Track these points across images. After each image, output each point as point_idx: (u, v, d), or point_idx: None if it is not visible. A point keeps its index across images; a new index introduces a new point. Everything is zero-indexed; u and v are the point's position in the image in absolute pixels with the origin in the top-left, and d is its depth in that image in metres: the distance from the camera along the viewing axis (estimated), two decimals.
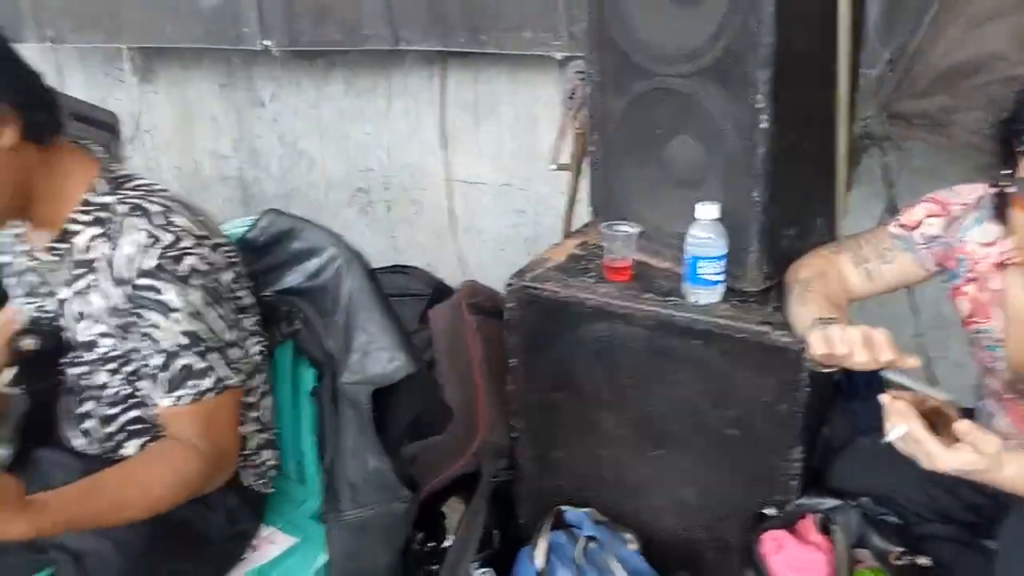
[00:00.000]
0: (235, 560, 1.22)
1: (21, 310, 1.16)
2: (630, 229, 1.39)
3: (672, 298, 1.34)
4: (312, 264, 1.28)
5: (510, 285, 1.44)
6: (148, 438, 1.15)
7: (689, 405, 1.34)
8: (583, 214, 1.86)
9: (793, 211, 1.35)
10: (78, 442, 1.17)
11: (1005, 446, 0.91)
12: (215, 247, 1.08)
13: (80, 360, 1.11)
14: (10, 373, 1.11)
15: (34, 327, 1.12)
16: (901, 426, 0.94)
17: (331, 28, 2.25)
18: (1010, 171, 1.02)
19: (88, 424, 1.15)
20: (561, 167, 2.06)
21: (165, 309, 1.02)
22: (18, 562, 1.11)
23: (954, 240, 1.18)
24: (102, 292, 1.05)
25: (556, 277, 1.44)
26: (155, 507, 1.01)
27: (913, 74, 1.58)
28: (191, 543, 1.15)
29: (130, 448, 1.15)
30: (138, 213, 1.04)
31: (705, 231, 1.26)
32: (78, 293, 1.07)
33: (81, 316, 1.07)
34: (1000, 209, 1.07)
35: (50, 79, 1.04)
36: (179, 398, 1.05)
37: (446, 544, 1.51)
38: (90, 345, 1.08)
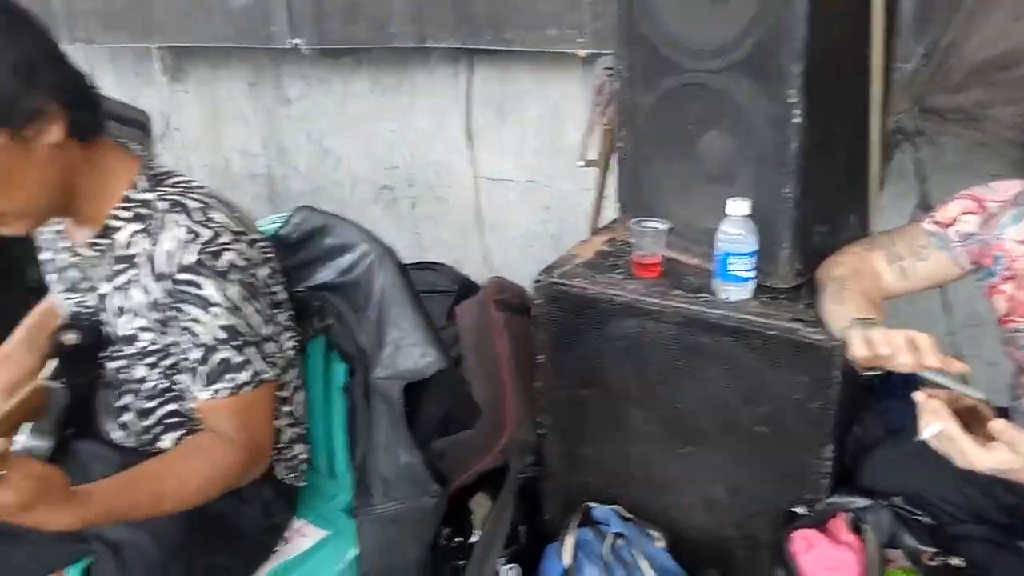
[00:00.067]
0: (268, 552, 1.24)
1: (62, 305, 1.18)
2: (659, 225, 1.38)
3: (702, 295, 1.33)
4: (345, 260, 1.29)
5: (538, 281, 1.44)
6: (184, 431, 1.17)
7: (719, 402, 1.33)
8: (610, 210, 1.86)
9: (825, 207, 1.34)
10: (116, 435, 1.19)
11: None
12: (252, 243, 1.10)
13: (119, 354, 1.13)
14: (51, 366, 1.13)
15: (75, 322, 1.14)
16: (935, 424, 0.93)
17: (359, 26, 2.27)
18: None
19: (126, 417, 1.17)
20: (589, 163, 2.06)
21: (205, 303, 1.03)
22: (59, 551, 1.14)
23: (991, 237, 1.16)
24: (142, 287, 1.06)
25: (584, 273, 1.44)
26: (193, 500, 1.02)
27: (947, 68, 1.56)
28: (226, 536, 1.17)
29: (166, 441, 1.17)
30: (178, 209, 1.05)
31: (736, 227, 1.25)
32: (119, 288, 1.09)
33: (121, 311, 1.09)
34: None
35: None
36: (217, 391, 1.06)
37: (473, 539, 1.51)
38: (130, 339, 1.10)
